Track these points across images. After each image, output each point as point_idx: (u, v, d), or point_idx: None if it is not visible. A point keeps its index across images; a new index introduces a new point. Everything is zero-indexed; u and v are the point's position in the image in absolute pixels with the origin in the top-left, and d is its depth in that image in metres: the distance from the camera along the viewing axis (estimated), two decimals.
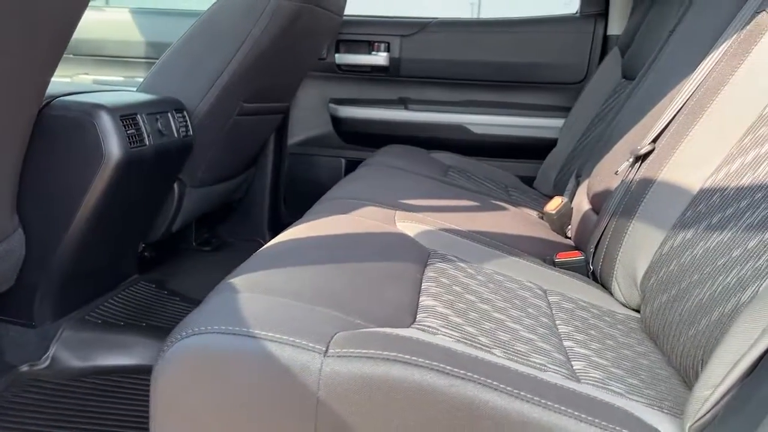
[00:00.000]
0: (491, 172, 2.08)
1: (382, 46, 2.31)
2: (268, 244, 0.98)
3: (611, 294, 1.11)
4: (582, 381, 0.72)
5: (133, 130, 1.35)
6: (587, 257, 1.20)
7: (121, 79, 2.50)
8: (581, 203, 1.45)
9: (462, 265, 1.02)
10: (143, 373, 1.34)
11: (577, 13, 2.25)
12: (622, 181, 1.19)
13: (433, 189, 1.54)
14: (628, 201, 1.12)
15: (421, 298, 0.84)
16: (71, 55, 2.53)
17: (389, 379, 0.60)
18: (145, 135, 1.39)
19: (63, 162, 1.30)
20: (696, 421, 0.64)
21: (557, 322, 0.91)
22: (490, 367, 0.63)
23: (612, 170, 1.29)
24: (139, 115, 1.38)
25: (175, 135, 1.53)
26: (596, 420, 0.59)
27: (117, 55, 2.53)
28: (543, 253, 1.25)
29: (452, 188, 1.62)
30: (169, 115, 1.52)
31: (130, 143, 1.33)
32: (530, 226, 1.43)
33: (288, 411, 0.62)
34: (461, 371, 0.60)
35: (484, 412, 0.59)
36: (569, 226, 1.49)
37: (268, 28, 1.62)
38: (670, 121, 1.12)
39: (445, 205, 1.36)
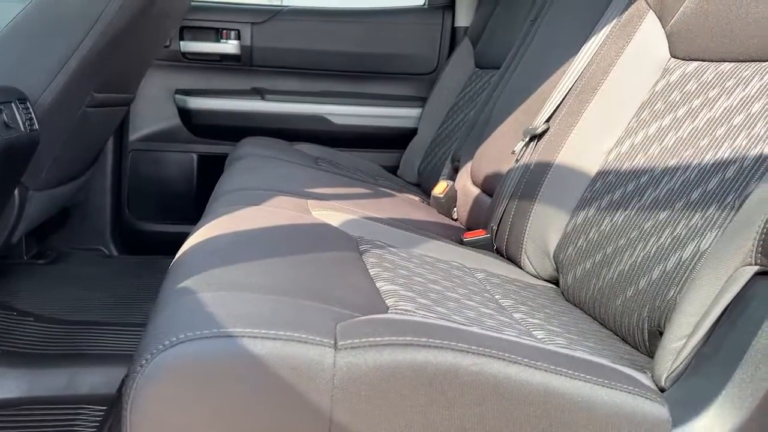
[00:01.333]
0: (356, 162, 2.08)
1: (232, 33, 2.19)
2: (190, 242, 0.88)
3: (521, 267, 1.17)
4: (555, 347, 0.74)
5: None
6: (490, 235, 1.25)
7: None
8: (465, 186, 1.51)
9: (393, 249, 1.00)
10: (12, 407, 1.14)
11: (425, 4, 2.32)
12: (517, 161, 1.25)
13: (320, 177, 1.49)
14: (529, 179, 1.18)
15: (378, 284, 0.81)
16: None
17: (414, 365, 0.57)
18: None
19: None
20: (672, 372, 0.69)
21: (496, 296, 0.94)
22: (501, 342, 0.62)
23: (500, 152, 1.35)
24: None
25: (23, 129, 1.31)
26: (609, 382, 0.61)
27: None
28: (447, 234, 1.27)
29: (336, 177, 1.59)
30: (13, 105, 1.30)
31: None
32: (423, 211, 1.46)
33: (299, 415, 0.56)
34: (482, 349, 0.59)
35: (508, 387, 0.58)
36: (455, 209, 1.54)
37: (123, 7, 1.45)
38: (561, 102, 1.19)
39: (344, 193, 1.33)
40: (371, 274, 0.85)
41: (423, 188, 2.05)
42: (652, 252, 0.84)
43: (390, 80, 2.30)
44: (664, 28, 1.07)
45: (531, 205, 1.15)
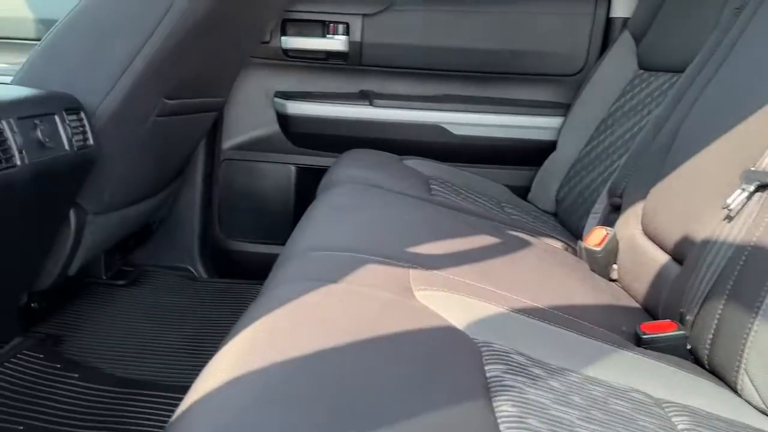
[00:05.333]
0: (478, 182, 1.70)
1: (340, 27, 1.88)
2: (215, 367, 0.55)
3: (736, 391, 0.75)
4: None
5: None
6: (684, 329, 0.83)
7: (5, 65, 1.96)
8: (633, 237, 1.09)
9: (536, 371, 0.62)
10: None
11: None
12: (730, 219, 0.83)
13: (432, 218, 1.14)
14: (753, 254, 0.76)
15: None
16: None
17: None
18: (14, 150, 0.92)
19: None
20: None
21: None
22: None
23: (698, 200, 0.93)
24: (3, 121, 0.91)
25: (66, 147, 1.06)
26: None
27: (3, 36, 1.99)
28: (613, 320, 0.88)
29: (452, 214, 1.23)
30: (56, 118, 1.05)
31: None
32: (571, 271, 1.06)
33: None
34: None
35: None
36: (614, 266, 1.12)
37: None
38: None
39: (462, 250, 0.96)
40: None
41: (561, 220, 1.64)
42: None
43: (524, 83, 1.90)
44: None
45: (757, 296, 0.73)
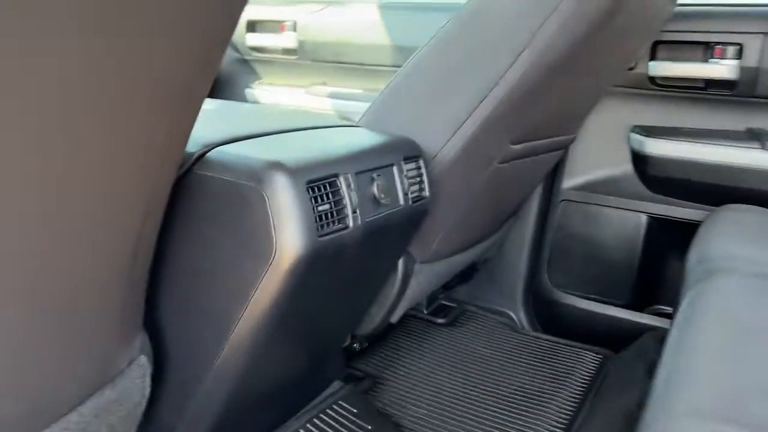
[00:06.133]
0: None
1: (730, 50, 1.49)
2: None
3: None
4: None
5: (327, 205, 0.80)
6: None
7: (360, 92, 2.04)
8: None
9: None
10: None
11: None
12: None
13: None
14: None
15: None
16: (308, 62, 2.15)
17: None
18: (348, 210, 0.83)
19: (212, 253, 0.80)
20: None
21: None
22: None
23: None
24: (341, 177, 0.83)
25: (401, 201, 0.96)
26: None
27: (359, 62, 2.08)
28: None
29: None
30: (395, 169, 0.95)
31: (321, 225, 0.79)
32: None
33: None
34: None
35: None
36: None
37: (567, 26, 0.96)
38: None
39: None
40: None
41: None
42: None
43: None
44: None
45: None
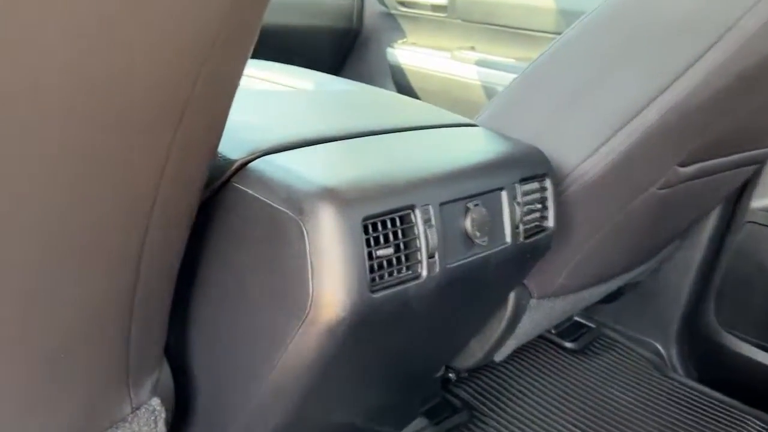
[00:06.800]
0: None
1: None
2: None
3: None
4: None
5: (390, 248, 0.60)
6: None
7: (513, 61, 1.76)
8: None
9: None
10: None
11: None
12: None
13: None
14: None
15: None
16: (458, 21, 1.90)
17: None
18: (423, 254, 0.62)
19: (240, 290, 0.63)
20: None
21: None
22: None
23: None
24: (417, 210, 0.62)
25: (507, 238, 0.72)
26: None
27: (515, 25, 1.79)
28: None
29: None
30: (503, 195, 0.71)
31: (379, 276, 0.59)
32: None
33: None
34: None
35: None
36: None
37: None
38: None
39: None
40: None
41: None
42: None
43: None
44: None
45: None
